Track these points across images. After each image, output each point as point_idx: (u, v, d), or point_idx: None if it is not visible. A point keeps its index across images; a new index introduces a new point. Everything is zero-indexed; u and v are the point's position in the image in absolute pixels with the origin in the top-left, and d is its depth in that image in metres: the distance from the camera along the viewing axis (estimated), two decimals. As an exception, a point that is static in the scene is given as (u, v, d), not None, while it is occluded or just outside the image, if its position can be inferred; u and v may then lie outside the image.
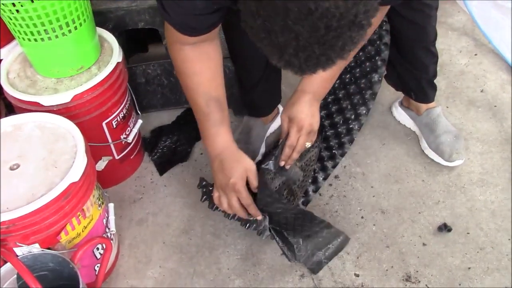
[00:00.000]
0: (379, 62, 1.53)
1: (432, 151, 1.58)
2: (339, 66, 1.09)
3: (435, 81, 1.58)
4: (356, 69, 1.60)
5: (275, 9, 0.71)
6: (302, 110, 1.26)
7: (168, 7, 1.04)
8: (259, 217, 1.27)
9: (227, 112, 1.24)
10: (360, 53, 1.58)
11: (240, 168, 1.20)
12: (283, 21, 0.71)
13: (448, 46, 1.98)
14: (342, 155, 1.55)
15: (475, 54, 1.94)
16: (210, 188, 1.35)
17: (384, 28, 1.49)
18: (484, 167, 1.55)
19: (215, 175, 1.24)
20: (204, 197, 1.39)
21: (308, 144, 1.31)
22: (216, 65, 1.20)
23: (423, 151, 1.61)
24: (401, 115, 1.71)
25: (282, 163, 1.33)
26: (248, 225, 1.34)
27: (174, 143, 1.71)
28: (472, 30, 2.03)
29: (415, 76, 1.54)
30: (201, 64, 1.16)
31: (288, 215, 1.31)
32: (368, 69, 1.56)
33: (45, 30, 1.24)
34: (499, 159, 1.57)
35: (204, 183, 1.37)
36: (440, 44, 1.99)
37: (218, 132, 1.21)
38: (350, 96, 1.59)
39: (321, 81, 1.26)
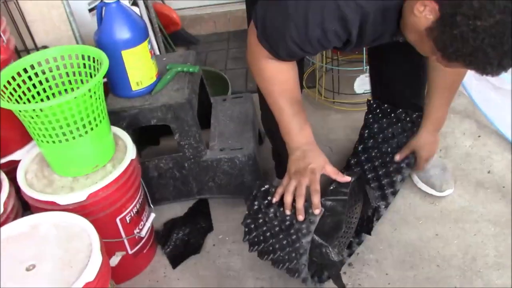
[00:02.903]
0: (403, 166, 1.70)
1: (424, 184, 1.75)
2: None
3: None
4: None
5: (504, 24, 0.91)
6: (428, 143, 1.57)
7: (282, 43, 1.19)
8: (317, 211, 1.28)
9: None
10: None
11: (322, 159, 1.34)
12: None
13: (452, 129, 2.03)
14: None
15: (479, 136, 1.98)
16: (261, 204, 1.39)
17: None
18: (498, 249, 1.54)
19: (293, 163, 1.34)
20: (247, 237, 1.43)
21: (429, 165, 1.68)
22: (296, 75, 1.35)
23: (416, 185, 1.78)
24: None
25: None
26: (282, 266, 1.37)
27: (187, 235, 1.72)
28: (473, 113, 2.09)
29: None
30: (287, 74, 1.31)
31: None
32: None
33: (63, 132, 1.30)
34: (513, 241, 1.56)
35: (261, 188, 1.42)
36: (444, 128, 2.01)
37: (303, 129, 1.36)
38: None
39: (443, 114, 1.51)
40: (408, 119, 1.70)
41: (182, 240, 1.71)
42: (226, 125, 1.85)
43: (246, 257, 1.63)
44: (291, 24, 1.15)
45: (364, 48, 2.13)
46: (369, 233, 1.56)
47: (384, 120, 1.74)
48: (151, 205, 1.64)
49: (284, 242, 1.34)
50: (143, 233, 1.54)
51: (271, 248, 1.39)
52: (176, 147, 1.71)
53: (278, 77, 1.31)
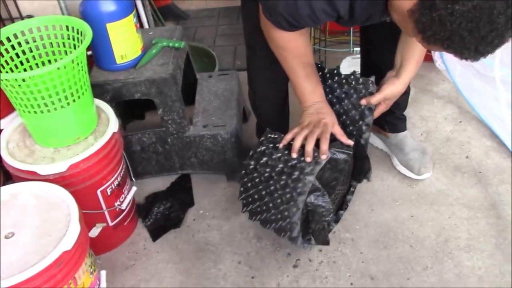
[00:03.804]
0: (363, 127, 1.58)
1: (403, 167, 1.79)
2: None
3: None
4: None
5: (482, 10, 0.91)
6: (399, 93, 1.47)
7: (281, 17, 1.25)
8: (324, 156, 1.35)
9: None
10: (344, 117, 1.63)
11: (334, 118, 1.43)
12: (489, 17, 0.92)
13: (434, 113, 2.06)
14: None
15: (460, 121, 2.01)
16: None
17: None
18: (471, 232, 1.58)
19: (307, 116, 1.42)
20: (243, 195, 1.49)
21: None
22: (306, 40, 1.40)
23: (395, 168, 1.82)
24: (373, 138, 1.90)
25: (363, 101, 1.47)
26: (282, 234, 1.43)
27: (168, 209, 1.74)
28: (456, 98, 2.12)
29: (388, 112, 1.59)
30: (296, 42, 1.36)
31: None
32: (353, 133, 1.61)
33: (45, 103, 1.31)
34: (485, 225, 1.60)
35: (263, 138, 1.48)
36: (426, 112, 2.07)
37: (316, 89, 1.43)
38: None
39: (415, 68, 1.44)
40: (354, 82, 1.53)
41: (163, 214, 1.73)
42: (211, 101, 1.86)
43: (225, 233, 1.66)
44: (282, 2, 1.21)
45: (351, 31, 2.15)
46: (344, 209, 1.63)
47: (332, 81, 1.60)
48: (133, 179, 1.65)
49: (279, 200, 1.39)
50: (124, 205, 1.56)
51: (264, 207, 1.44)
52: (160, 123, 1.72)
53: (289, 44, 1.36)
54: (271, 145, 1.44)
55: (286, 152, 1.40)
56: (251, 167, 1.45)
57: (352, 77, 1.47)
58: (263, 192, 1.43)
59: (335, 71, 1.50)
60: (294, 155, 1.37)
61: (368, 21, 1.28)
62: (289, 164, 1.38)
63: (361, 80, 1.46)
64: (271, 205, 1.42)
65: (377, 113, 1.49)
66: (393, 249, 1.56)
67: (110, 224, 1.57)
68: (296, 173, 1.35)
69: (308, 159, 1.35)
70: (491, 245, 1.54)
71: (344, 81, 1.49)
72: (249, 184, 1.46)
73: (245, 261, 1.56)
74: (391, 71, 1.47)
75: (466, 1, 0.93)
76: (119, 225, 1.60)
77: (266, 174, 1.41)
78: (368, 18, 1.26)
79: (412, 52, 1.41)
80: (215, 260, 1.58)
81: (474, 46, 0.97)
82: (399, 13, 1.10)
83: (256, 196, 1.45)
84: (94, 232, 1.50)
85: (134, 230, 1.69)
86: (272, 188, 1.40)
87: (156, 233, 1.68)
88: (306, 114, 1.43)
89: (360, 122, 1.51)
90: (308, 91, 1.43)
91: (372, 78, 1.45)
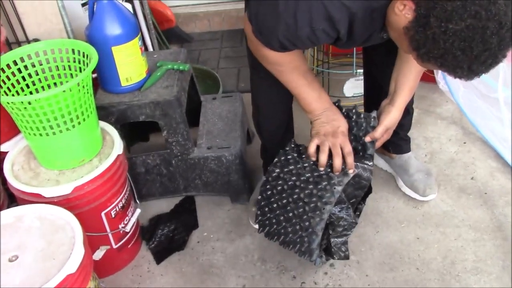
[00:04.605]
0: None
1: (408, 188, 1.79)
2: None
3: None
4: None
5: (475, 29, 0.93)
6: (397, 120, 1.45)
7: (274, 39, 1.24)
8: (351, 170, 1.36)
9: None
10: None
11: (346, 122, 1.42)
12: (481, 37, 0.93)
13: (438, 134, 2.06)
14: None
15: (464, 142, 2.01)
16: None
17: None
18: (477, 254, 1.57)
19: (320, 126, 1.40)
20: (260, 228, 1.48)
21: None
22: (299, 51, 1.38)
23: (400, 189, 1.81)
24: (377, 160, 1.89)
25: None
26: (297, 249, 1.41)
27: (172, 232, 1.73)
28: (460, 119, 2.12)
29: (392, 132, 1.56)
30: (290, 55, 1.34)
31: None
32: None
33: (50, 125, 1.31)
34: (492, 247, 1.58)
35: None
36: (430, 133, 2.07)
37: (321, 95, 1.42)
38: None
39: (409, 94, 1.44)
40: (355, 116, 1.52)
41: (167, 236, 1.72)
42: (215, 123, 1.87)
43: (229, 255, 1.65)
44: (282, 23, 1.20)
45: (355, 52, 2.16)
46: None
47: None
48: (137, 201, 1.65)
49: (301, 210, 1.38)
50: (128, 228, 1.56)
51: (285, 215, 1.42)
52: (164, 144, 1.73)
53: (283, 59, 1.34)
54: (296, 154, 1.44)
55: (313, 161, 1.40)
56: (275, 174, 1.44)
57: (353, 110, 1.47)
58: (284, 201, 1.41)
59: (337, 105, 1.50)
60: (322, 169, 1.37)
61: (368, 41, 1.29)
62: (315, 174, 1.37)
63: (362, 115, 1.45)
64: (291, 214, 1.40)
65: (379, 143, 1.47)
66: (399, 271, 1.54)
67: (114, 246, 1.56)
68: (324, 182, 1.35)
69: (337, 173, 1.35)
70: (498, 267, 1.52)
71: (345, 113, 1.48)
72: (270, 192, 1.44)
73: (249, 284, 1.55)
74: (385, 99, 1.47)
75: (460, 21, 0.94)
76: (123, 247, 1.59)
77: (291, 182, 1.40)
78: (368, 38, 1.26)
79: (406, 78, 1.41)
80: (219, 284, 1.56)
81: (467, 65, 0.98)
82: (395, 30, 1.12)
83: (276, 204, 1.43)
84: (98, 254, 1.49)
85: (138, 253, 1.68)
86: (295, 196, 1.39)
87: (160, 255, 1.67)
88: (317, 124, 1.42)
89: (362, 154, 1.53)
90: (314, 99, 1.41)
91: (374, 114, 1.45)
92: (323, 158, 1.37)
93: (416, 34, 1.02)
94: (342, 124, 1.41)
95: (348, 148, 1.37)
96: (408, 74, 1.41)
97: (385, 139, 1.48)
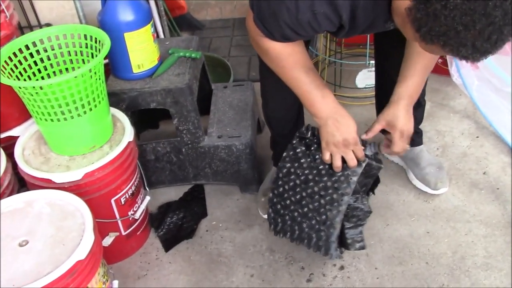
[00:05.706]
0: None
1: (419, 182, 1.77)
2: (430, 70, 1.38)
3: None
4: None
5: (476, 1, 0.87)
6: (401, 115, 1.37)
7: (276, 26, 1.20)
8: (363, 158, 1.34)
9: None
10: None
11: (355, 126, 1.35)
12: (484, 9, 0.87)
13: (451, 128, 2.03)
14: None
15: (477, 137, 1.98)
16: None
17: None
18: (488, 250, 1.55)
19: (329, 135, 1.34)
20: (272, 226, 1.47)
21: (408, 147, 1.43)
22: (301, 44, 1.33)
23: (411, 182, 1.80)
24: None
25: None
26: (313, 243, 1.41)
27: (181, 220, 1.73)
28: (473, 113, 2.09)
29: None
30: (292, 47, 1.29)
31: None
32: None
33: (61, 111, 1.31)
34: (503, 243, 1.57)
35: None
36: (443, 126, 2.05)
37: (325, 94, 1.34)
38: None
39: (416, 86, 1.38)
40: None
41: (176, 224, 1.72)
42: (225, 112, 1.86)
43: (237, 245, 1.64)
44: (283, 7, 1.16)
45: (368, 43, 2.13)
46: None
47: None
48: (147, 188, 1.65)
49: (316, 204, 1.36)
50: (137, 215, 1.56)
51: (296, 227, 1.41)
52: (174, 132, 1.72)
53: (285, 52, 1.30)
54: (304, 147, 1.42)
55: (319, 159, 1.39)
56: (285, 170, 1.42)
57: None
58: (298, 196, 1.40)
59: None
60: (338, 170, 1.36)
61: (371, 28, 1.24)
62: (327, 165, 1.36)
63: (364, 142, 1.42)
64: (306, 209, 1.38)
65: (397, 147, 1.41)
66: (409, 265, 1.53)
67: (123, 233, 1.56)
68: (338, 173, 1.34)
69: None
70: (509, 263, 1.51)
71: None
72: (282, 189, 1.43)
73: (257, 274, 1.55)
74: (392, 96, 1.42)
75: None
76: (132, 234, 1.59)
77: (303, 177, 1.38)
78: (371, 23, 1.22)
79: (411, 70, 1.37)
80: (227, 273, 1.56)
81: (471, 43, 0.92)
82: (399, 14, 1.07)
83: (290, 200, 1.41)
84: (107, 241, 1.49)
85: (146, 240, 1.69)
86: (309, 190, 1.37)
87: (168, 243, 1.67)
88: (325, 132, 1.35)
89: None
90: (318, 98, 1.34)
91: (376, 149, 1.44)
92: (337, 163, 1.35)
93: (418, 12, 0.97)
94: (351, 130, 1.34)
95: (361, 154, 1.35)
96: (413, 67, 1.36)
97: (404, 147, 1.41)
